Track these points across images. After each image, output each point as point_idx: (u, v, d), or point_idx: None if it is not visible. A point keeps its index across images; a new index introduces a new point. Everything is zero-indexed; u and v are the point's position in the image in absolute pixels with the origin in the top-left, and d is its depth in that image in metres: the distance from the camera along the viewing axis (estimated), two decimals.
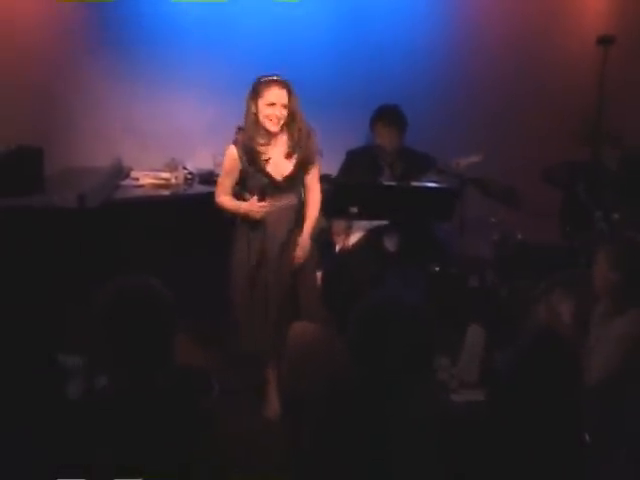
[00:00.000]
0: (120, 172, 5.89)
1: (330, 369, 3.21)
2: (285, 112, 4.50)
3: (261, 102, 4.50)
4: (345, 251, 5.36)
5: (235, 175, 4.64)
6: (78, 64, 5.99)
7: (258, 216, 4.56)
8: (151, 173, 5.86)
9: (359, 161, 5.61)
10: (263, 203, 4.56)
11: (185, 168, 5.92)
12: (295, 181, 4.65)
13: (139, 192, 5.67)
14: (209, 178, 5.84)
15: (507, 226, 5.66)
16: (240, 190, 4.72)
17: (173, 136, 6.08)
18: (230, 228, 4.78)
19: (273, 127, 4.52)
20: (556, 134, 6.36)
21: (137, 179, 5.81)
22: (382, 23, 6.30)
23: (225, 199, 4.68)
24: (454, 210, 5.13)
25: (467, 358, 4.20)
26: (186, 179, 5.87)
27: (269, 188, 4.61)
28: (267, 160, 4.58)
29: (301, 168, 4.63)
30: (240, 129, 4.63)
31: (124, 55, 6.01)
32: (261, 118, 4.52)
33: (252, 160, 4.57)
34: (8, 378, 2.93)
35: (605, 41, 6.07)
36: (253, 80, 4.59)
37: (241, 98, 4.60)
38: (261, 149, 4.57)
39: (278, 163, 4.61)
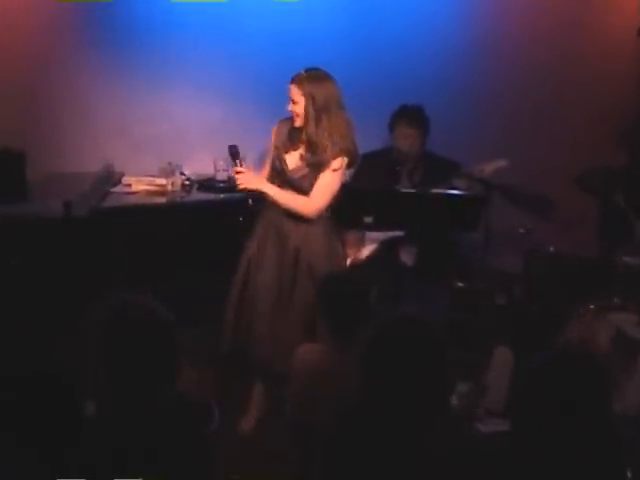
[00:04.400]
0: (110, 178, 5.89)
1: (339, 394, 3.21)
2: (297, 109, 4.63)
3: None
4: (357, 265, 5.35)
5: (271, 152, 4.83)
6: (65, 60, 5.99)
7: (240, 185, 4.68)
8: (145, 179, 5.85)
9: (374, 166, 5.56)
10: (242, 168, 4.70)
11: (182, 173, 5.91)
12: (304, 184, 4.71)
13: (131, 200, 5.67)
14: (209, 184, 5.84)
15: (538, 237, 5.65)
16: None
17: (169, 138, 6.08)
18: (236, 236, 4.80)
19: (295, 122, 4.69)
20: (591, 136, 6.35)
21: (129, 185, 5.81)
22: (400, 15, 6.30)
23: None
24: (479, 220, 5.12)
25: (494, 384, 4.19)
26: (184, 185, 5.86)
27: (279, 178, 4.75)
28: (293, 151, 4.76)
29: (312, 172, 4.70)
30: None
31: (116, 51, 6.02)
32: None
33: (284, 144, 4.77)
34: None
35: None
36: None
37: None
38: (294, 140, 4.75)
39: (299, 160, 4.75)
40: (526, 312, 5.50)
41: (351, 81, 5.90)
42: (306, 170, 4.71)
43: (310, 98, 4.59)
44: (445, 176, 5.39)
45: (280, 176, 4.75)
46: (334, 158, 4.66)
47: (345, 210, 5.15)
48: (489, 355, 4.40)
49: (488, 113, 6.37)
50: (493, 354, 4.38)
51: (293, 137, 4.74)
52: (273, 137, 4.81)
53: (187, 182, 5.89)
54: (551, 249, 5.58)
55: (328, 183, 4.71)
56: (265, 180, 4.74)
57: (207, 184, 5.87)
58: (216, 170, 5.87)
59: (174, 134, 6.10)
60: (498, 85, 6.40)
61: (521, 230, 5.66)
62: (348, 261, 5.33)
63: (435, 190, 5.16)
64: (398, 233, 5.29)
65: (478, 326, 5.33)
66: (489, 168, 5.39)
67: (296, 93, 4.62)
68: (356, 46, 6.21)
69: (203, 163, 5.93)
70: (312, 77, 4.62)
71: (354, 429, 2.70)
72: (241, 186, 4.68)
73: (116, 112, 6.06)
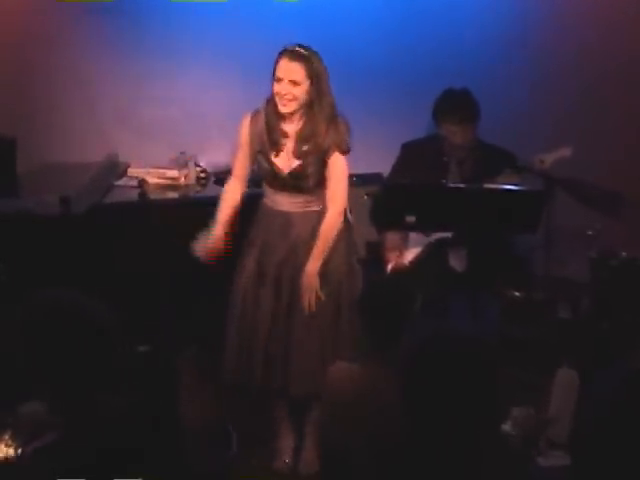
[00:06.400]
0: (115, 169, 5.90)
1: (377, 422, 3.18)
2: (298, 92, 4.51)
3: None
4: (399, 270, 5.31)
5: (247, 151, 4.73)
6: (64, 36, 6.01)
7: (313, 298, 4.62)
8: (154, 171, 5.86)
9: (418, 157, 5.52)
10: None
11: (197, 165, 5.92)
12: (305, 180, 4.64)
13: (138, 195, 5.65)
14: (227, 177, 5.80)
15: (608, 240, 5.59)
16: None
17: (181, 124, 6.08)
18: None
19: (283, 108, 4.56)
20: None
21: (136, 178, 5.80)
22: None
23: (227, 191, 4.94)
24: (540, 219, 5.08)
25: (556, 410, 4.13)
26: (198, 178, 5.87)
27: (273, 181, 4.68)
28: (280, 147, 4.65)
29: (314, 164, 4.62)
30: (269, 100, 4.65)
31: (121, 27, 6.04)
32: None
33: (264, 142, 4.66)
34: None
35: None
36: None
37: (270, 75, 4.58)
38: (277, 133, 4.64)
39: (289, 155, 4.66)
40: (594, 327, 5.45)
41: (390, 62, 5.93)
42: (300, 163, 4.64)
43: (317, 80, 4.51)
44: (499, 168, 5.34)
45: (275, 177, 4.68)
46: (334, 149, 4.59)
47: (385, 208, 5.12)
48: (550, 377, 4.34)
49: (552, 96, 6.30)
50: (555, 376, 4.32)
51: (273, 131, 4.66)
52: (246, 134, 4.72)
53: (202, 174, 5.89)
54: (623, 254, 5.52)
55: (344, 172, 4.65)
56: (306, 272, 4.63)
57: (225, 177, 5.82)
58: None
59: (187, 119, 6.10)
60: (565, 62, 6.30)
61: (589, 232, 5.61)
62: (389, 266, 5.30)
63: (488, 185, 5.11)
64: (446, 234, 5.25)
65: (537, 343, 5.29)
66: (550, 158, 5.33)
67: (300, 73, 4.49)
68: (400, 22, 6.20)
69: (220, 153, 5.90)
70: (317, 55, 4.55)
71: (397, 458, 2.64)
72: (314, 293, 4.60)
73: (121, 94, 6.06)
